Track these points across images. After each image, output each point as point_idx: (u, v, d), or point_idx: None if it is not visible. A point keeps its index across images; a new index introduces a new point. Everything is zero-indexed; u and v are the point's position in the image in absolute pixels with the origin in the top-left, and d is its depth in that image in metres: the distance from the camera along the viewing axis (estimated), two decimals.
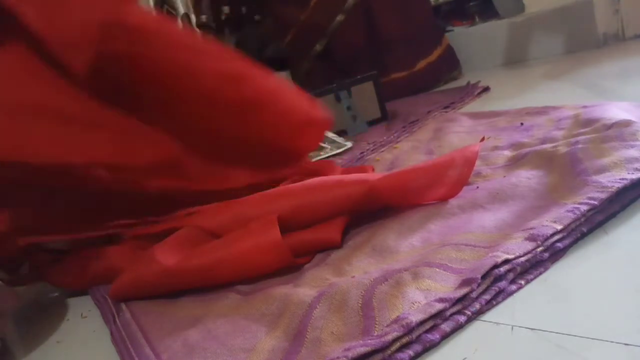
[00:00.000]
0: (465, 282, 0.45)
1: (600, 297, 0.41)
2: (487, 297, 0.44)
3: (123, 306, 0.67)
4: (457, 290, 0.45)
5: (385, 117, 1.30)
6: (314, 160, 1.09)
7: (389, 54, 1.56)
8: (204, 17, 1.78)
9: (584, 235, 0.50)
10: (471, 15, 1.76)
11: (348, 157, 1.07)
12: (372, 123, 1.29)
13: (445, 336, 0.42)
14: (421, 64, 1.57)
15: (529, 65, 1.48)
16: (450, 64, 1.62)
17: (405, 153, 0.97)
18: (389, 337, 0.41)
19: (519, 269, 0.46)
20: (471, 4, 1.75)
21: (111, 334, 0.62)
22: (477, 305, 0.44)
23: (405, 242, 0.59)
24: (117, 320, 0.64)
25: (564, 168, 0.62)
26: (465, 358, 0.39)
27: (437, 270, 0.49)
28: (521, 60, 1.56)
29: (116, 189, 0.79)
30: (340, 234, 0.65)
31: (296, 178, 0.85)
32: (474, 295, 0.44)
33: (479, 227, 0.56)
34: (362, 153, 1.07)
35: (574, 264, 0.47)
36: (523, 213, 0.56)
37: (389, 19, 1.56)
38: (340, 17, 1.54)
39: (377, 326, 0.44)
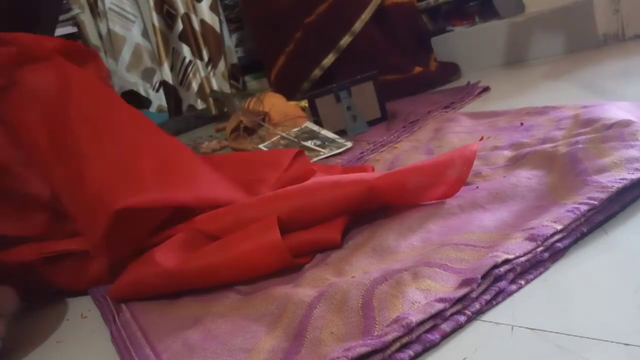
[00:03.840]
0: (465, 282, 0.45)
1: (600, 297, 0.41)
2: (487, 297, 0.44)
3: (123, 306, 0.67)
4: (457, 290, 0.45)
5: (385, 117, 1.30)
6: (313, 161, 1.09)
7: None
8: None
9: (584, 235, 0.50)
10: (471, 15, 1.76)
11: (348, 157, 1.07)
12: (372, 123, 1.29)
13: (445, 336, 0.42)
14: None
15: (529, 65, 1.48)
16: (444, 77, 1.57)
17: (405, 153, 0.97)
18: (389, 337, 0.41)
19: (519, 269, 0.46)
20: (471, 4, 1.75)
21: (111, 334, 0.62)
22: (477, 305, 0.44)
23: (405, 242, 0.59)
24: (117, 320, 0.64)
25: (564, 168, 0.62)
26: (465, 358, 0.39)
27: (437, 270, 0.49)
28: (521, 60, 1.56)
29: None
30: (341, 234, 0.65)
31: (294, 180, 0.85)
32: (474, 295, 0.44)
33: (479, 227, 0.56)
34: (362, 153, 1.07)
35: (574, 264, 0.47)
36: (523, 213, 0.56)
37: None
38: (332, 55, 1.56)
39: (377, 326, 0.44)
